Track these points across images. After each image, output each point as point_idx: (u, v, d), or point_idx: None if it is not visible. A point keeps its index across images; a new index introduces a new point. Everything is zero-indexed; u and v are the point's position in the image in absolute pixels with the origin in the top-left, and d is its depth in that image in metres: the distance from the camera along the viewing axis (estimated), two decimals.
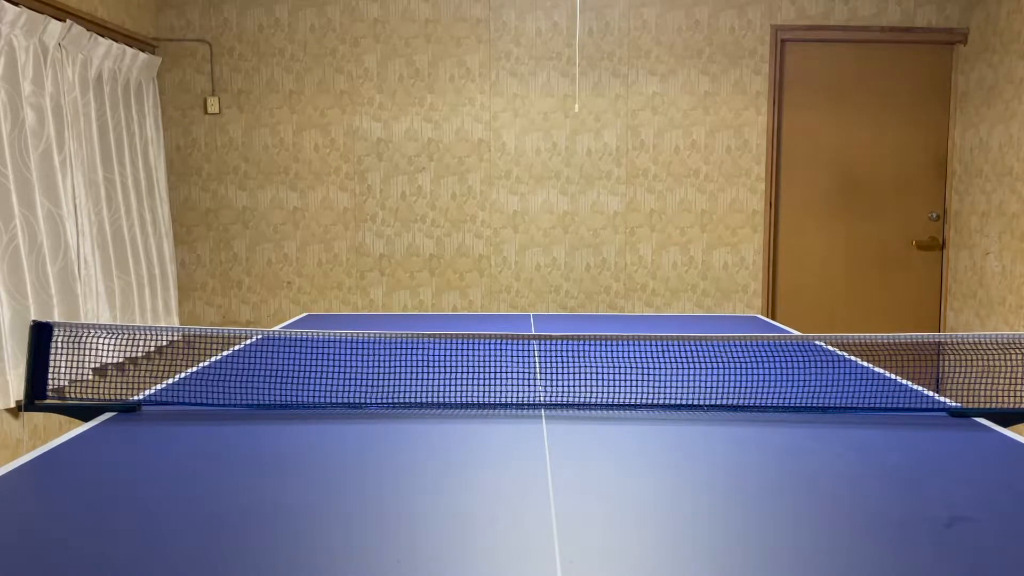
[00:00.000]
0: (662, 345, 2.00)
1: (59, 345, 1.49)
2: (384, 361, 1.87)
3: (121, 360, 3.44)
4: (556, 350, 2.01)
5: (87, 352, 1.52)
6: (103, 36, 3.42)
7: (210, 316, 4.20)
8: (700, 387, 1.66)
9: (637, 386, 1.65)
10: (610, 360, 1.90)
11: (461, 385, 1.65)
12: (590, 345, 2.05)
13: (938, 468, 1.18)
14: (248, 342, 2.15)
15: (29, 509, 1.02)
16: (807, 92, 4.14)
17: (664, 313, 4.13)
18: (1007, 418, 1.45)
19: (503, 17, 4.01)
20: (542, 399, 1.56)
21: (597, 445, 1.29)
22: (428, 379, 1.71)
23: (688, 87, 4.08)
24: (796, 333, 2.45)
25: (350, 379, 1.68)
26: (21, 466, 1.18)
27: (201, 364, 1.87)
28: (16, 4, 2.84)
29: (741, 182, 4.16)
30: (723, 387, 1.67)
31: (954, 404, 1.53)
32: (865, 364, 1.93)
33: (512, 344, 2.08)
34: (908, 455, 1.24)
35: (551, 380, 1.72)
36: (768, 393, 1.62)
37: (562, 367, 1.83)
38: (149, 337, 3.36)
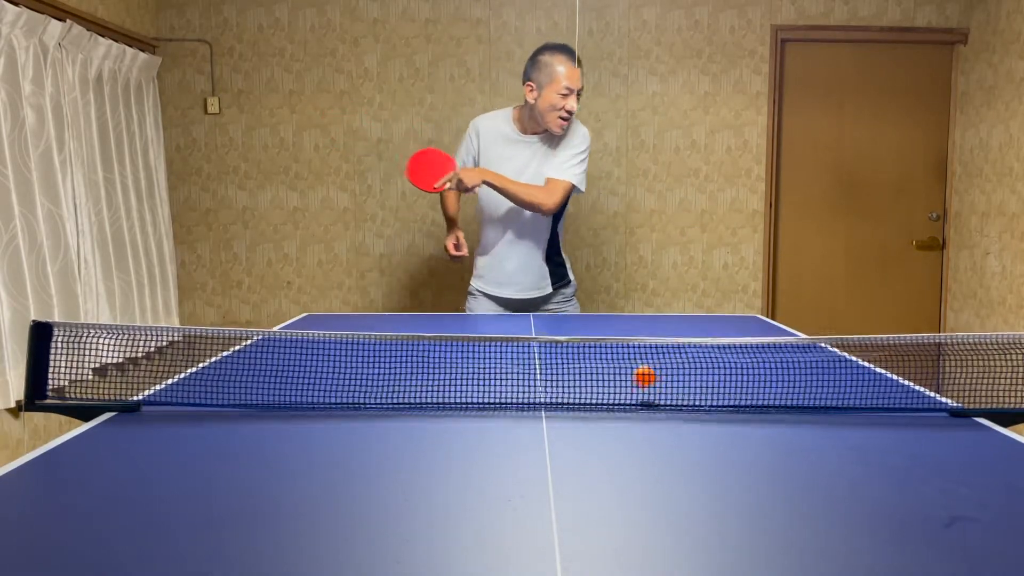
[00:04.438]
0: (662, 345, 2.00)
1: (59, 345, 1.49)
2: (384, 362, 1.87)
3: (121, 360, 3.44)
4: (556, 350, 2.01)
5: (87, 352, 1.52)
6: (103, 36, 3.42)
7: (210, 316, 4.20)
8: (700, 387, 1.66)
9: (637, 386, 1.65)
10: (610, 360, 1.90)
11: (461, 385, 1.65)
12: (590, 346, 2.05)
13: (938, 468, 1.18)
14: (248, 342, 2.15)
15: (29, 509, 1.02)
16: (807, 92, 4.14)
17: (664, 313, 4.13)
18: (1007, 418, 1.45)
19: (503, 17, 4.01)
20: (542, 399, 1.56)
21: (597, 445, 1.29)
22: (428, 379, 1.71)
23: (688, 87, 4.08)
24: (796, 334, 2.45)
25: (350, 379, 1.68)
26: (21, 466, 1.18)
27: (201, 364, 1.87)
28: (16, 4, 2.84)
29: (741, 182, 4.16)
30: (723, 387, 1.67)
31: (954, 404, 1.53)
32: (865, 364, 1.93)
33: (512, 344, 2.08)
34: (908, 455, 1.24)
35: (551, 380, 1.72)
36: (768, 393, 1.62)
37: (562, 367, 1.83)
38: (149, 337, 3.35)
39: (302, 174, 4.11)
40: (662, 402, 1.54)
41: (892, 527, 0.97)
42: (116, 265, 3.49)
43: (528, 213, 2.78)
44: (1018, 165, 3.64)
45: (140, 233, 3.70)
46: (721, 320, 2.79)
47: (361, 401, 1.53)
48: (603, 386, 1.65)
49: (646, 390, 1.62)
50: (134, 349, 3.43)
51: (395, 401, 1.54)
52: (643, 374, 1.61)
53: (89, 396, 1.52)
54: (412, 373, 1.76)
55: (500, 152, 2.79)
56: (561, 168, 2.75)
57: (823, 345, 2.18)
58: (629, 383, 1.67)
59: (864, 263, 4.26)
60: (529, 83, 2.69)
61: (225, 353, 2.00)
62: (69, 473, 1.15)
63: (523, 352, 1.99)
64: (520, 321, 2.64)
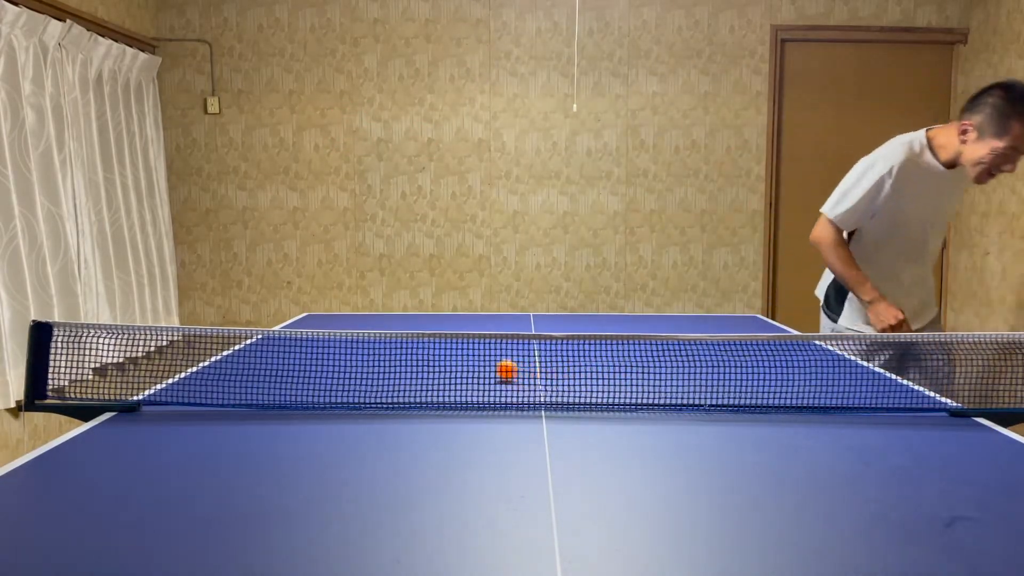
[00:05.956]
0: (662, 345, 2.00)
1: (59, 345, 1.49)
2: (384, 361, 1.87)
3: (121, 360, 3.44)
4: (556, 350, 2.01)
5: (87, 352, 1.52)
6: (103, 36, 3.42)
7: (210, 316, 4.20)
8: (700, 387, 1.66)
9: (637, 386, 1.65)
10: (610, 360, 1.90)
11: (461, 385, 1.65)
12: (590, 345, 2.05)
13: (938, 468, 1.18)
14: (248, 342, 2.15)
15: (29, 509, 1.02)
16: (807, 92, 4.14)
17: (664, 313, 4.13)
18: (1007, 418, 1.45)
19: (503, 17, 4.01)
20: (542, 399, 1.56)
21: (597, 445, 1.29)
22: (428, 379, 1.71)
23: (688, 87, 4.08)
24: (796, 333, 2.45)
25: (350, 379, 1.68)
26: (21, 466, 1.18)
27: (201, 364, 1.87)
28: (16, 4, 2.84)
29: (741, 182, 4.15)
30: (723, 387, 1.67)
31: (954, 404, 1.53)
32: (865, 364, 1.93)
33: (512, 344, 2.08)
34: (908, 455, 1.24)
35: (551, 380, 1.72)
36: (768, 393, 1.62)
37: (562, 367, 1.83)
38: (149, 337, 3.36)
39: (302, 174, 4.11)
40: (662, 402, 1.54)
41: (892, 527, 0.97)
42: (116, 265, 3.49)
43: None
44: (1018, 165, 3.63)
45: (140, 233, 3.70)
46: (721, 320, 2.79)
47: (361, 401, 1.53)
48: (603, 386, 1.65)
49: (514, 381, 1.70)
50: (134, 349, 3.43)
51: (395, 401, 1.54)
52: (505, 368, 1.69)
53: (89, 396, 1.52)
54: (412, 373, 1.76)
55: (922, 188, 2.37)
56: None
57: (823, 345, 2.18)
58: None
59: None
60: (968, 124, 2.15)
61: (225, 353, 2.00)
62: (69, 473, 1.15)
63: (523, 352, 1.99)
64: (519, 321, 2.64)
